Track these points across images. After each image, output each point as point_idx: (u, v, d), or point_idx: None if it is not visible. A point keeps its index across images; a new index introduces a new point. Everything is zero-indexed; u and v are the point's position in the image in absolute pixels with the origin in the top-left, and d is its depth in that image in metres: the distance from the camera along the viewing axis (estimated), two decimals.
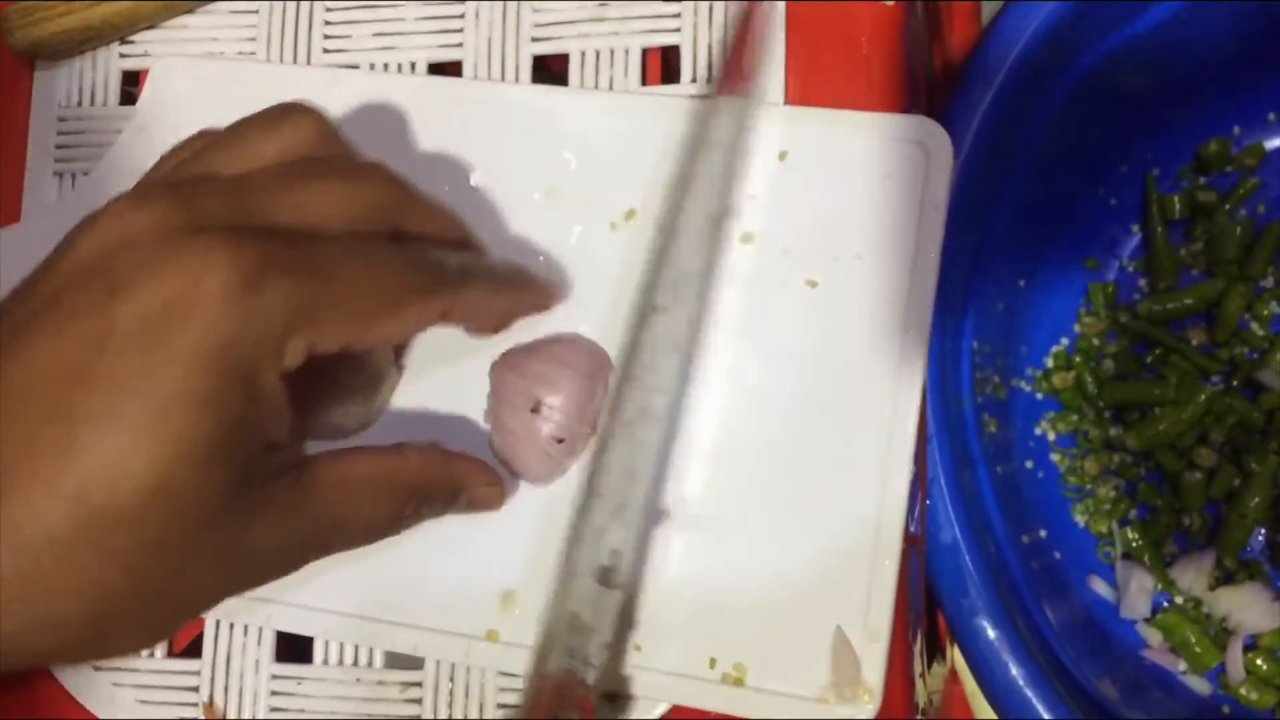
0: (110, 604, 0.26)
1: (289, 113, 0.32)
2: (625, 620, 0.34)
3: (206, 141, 0.32)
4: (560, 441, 0.35)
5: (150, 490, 0.25)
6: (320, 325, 0.27)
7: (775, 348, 0.36)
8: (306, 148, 0.31)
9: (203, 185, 0.29)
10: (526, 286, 0.36)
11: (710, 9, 0.38)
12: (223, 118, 0.40)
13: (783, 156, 0.37)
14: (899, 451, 0.34)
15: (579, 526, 0.32)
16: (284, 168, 0.30)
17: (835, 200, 0.36)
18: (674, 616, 0.35)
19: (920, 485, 0.38)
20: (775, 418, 0.35)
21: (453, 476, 0.34)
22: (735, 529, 0.35)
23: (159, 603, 0.27)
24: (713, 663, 0.34)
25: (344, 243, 0.29)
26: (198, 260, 0.26)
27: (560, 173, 0.38)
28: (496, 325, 0.37)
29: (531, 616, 0.35)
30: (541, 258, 0.37)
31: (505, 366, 0.36)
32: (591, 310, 0.37)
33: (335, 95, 0.40)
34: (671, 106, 0.38)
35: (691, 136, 0.36)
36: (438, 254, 0.32)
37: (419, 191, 0.33)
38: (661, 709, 0.35)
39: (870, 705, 0.33)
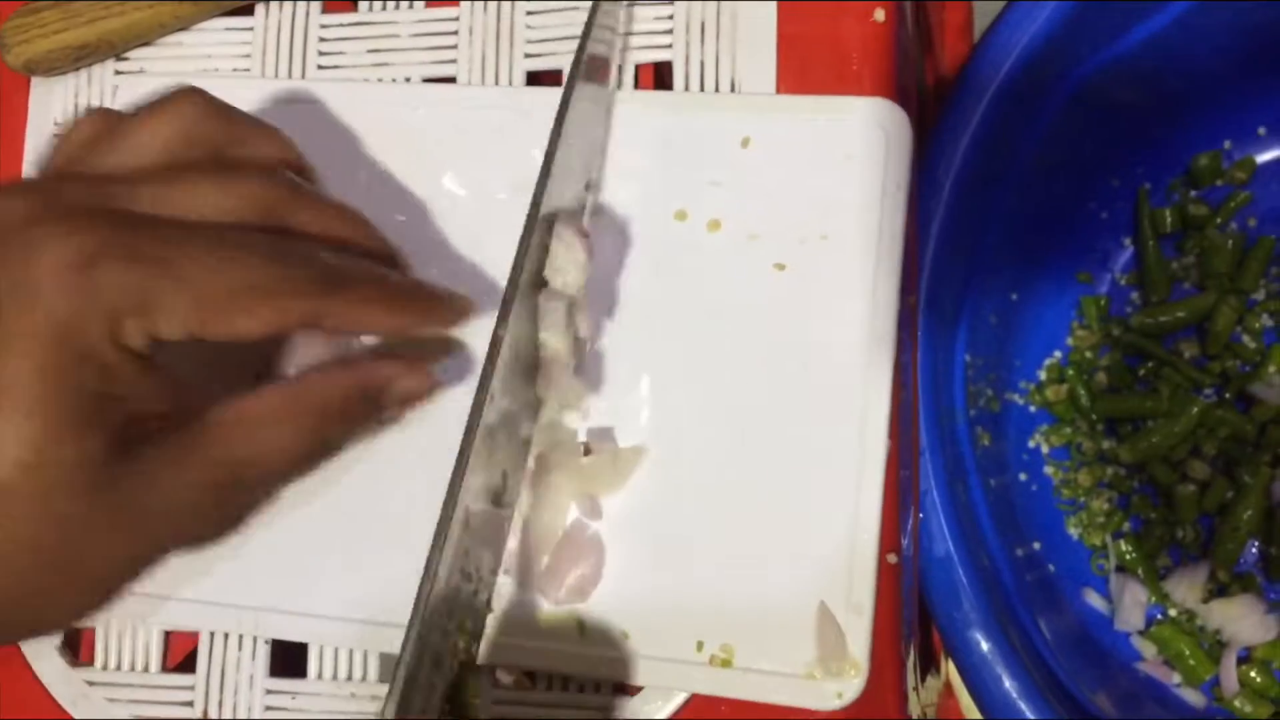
0: (19, 576, 0.27)
1: (172, 98, 0.31)
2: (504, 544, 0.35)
3: (90, 135, 0.31)
4: None
5: (23, 463, 0.26)
6: (156, 313, 0.27)
7: (747, 331, 0.36)
8: (191, 131, 0.31)
9: (68, 178, 0.29)
10: (425, 303, 0.33)
11: (702, 24, 0.38)
12: None
13: (745, 143, 0.37)
14: (873, 427, 0.35)
15: (470, 451, 0.31)
16: (159, 167, 0.30)
17: (799, 183, 0.37)
18: (659, 602, 0.35)
19: (913, 499, 0.38)
20: (749, 400, 0.36)
21: (365, 380, 0.32)
22: (715, 513, 0.35)
23: (77, 571, 0.28)
24: (700, 645, 0.34)
25: (199, 231, 0.28)
26: (37, 242, 0.27)
27: (526, 171, 0.38)
28: (390, 337, 0.35)
29: (524, 611, 0.35)
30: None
31: None
32: None
33: (306, 103, 0.40)
34: (634, 99, 0.38)
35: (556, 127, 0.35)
36: (318, 253, 0.30)
37: (314, 191, 0.32)
38: (671, 709, 0.35)
39: (857, 680, 0.33)
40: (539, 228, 0.34)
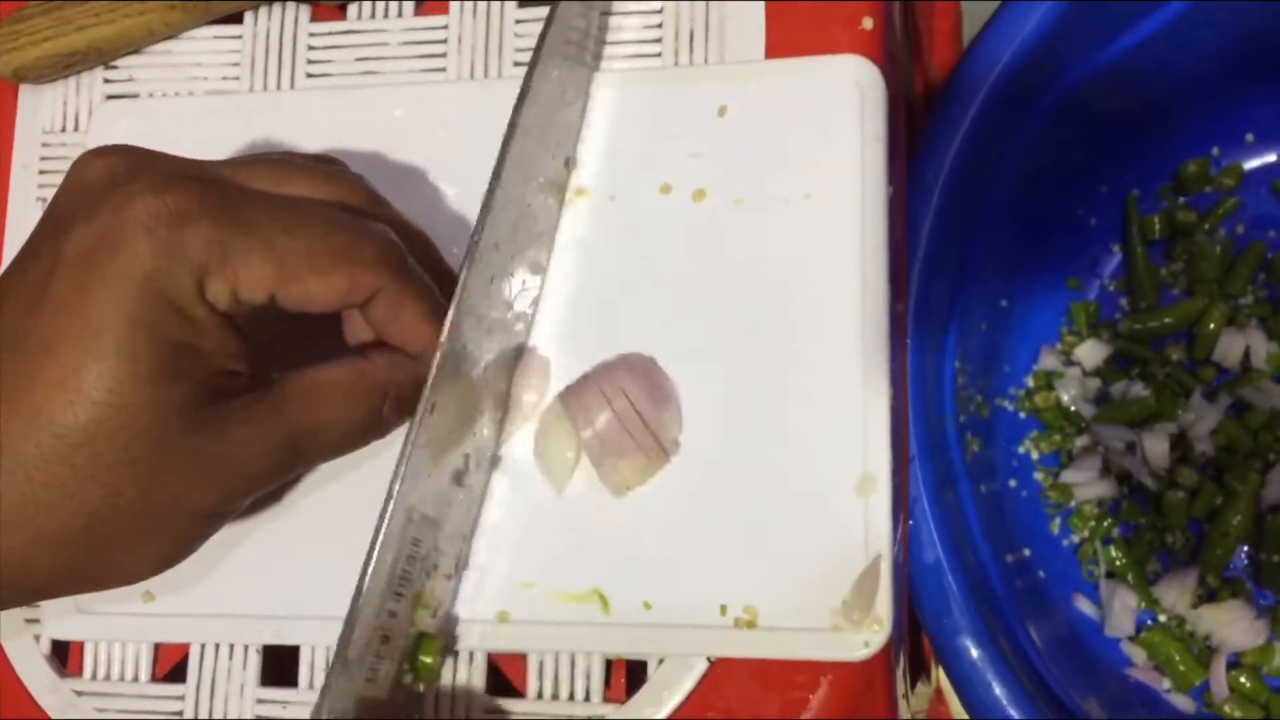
0: (93, 519, 0.28)
1: (340, 173, 0.33)
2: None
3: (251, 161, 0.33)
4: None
5: (102, 406, 0.27)
6: (237, 271, 0.29)
7: (741, 294, 0.36)
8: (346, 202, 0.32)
9: (169, 154, 0.31)
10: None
11: (691, 32, 0.39)
12: (172, 149, 0.41)
13: (721, 111, 0.38)
14: (874, 376, 0.35)
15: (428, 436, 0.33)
16: (254, 159, 0.32)
17: (778, 146, 0.37)
18: (680, 570, 0.35)
19: (903, 505, 0.38)
20: (750, 363, 0.36)
21: (423, 374, 0.33)
22: (728, 478, 0.35)
23: (146, 518, 0.29)
24: (724, 609, 0.34)
25: (285, 198, 0.30)
26: (127, 198, 0.28)
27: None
28: (415, 348, 0.35)
29: (545, 594, 0.35)
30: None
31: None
32: (554, 280, 0.38)
33: (278, 114, 0.41)
34: (609, 78, 0.39)
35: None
36: (391, 234, 0.32)
37: (390, 205, 0.34)
38: (666, 712, 0.35)
39: (881, 634, 0.33)
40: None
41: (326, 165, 0.34)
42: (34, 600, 0.36)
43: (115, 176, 0.29)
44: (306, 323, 0.32)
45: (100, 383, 0.27)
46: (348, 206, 0.32)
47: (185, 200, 0.28)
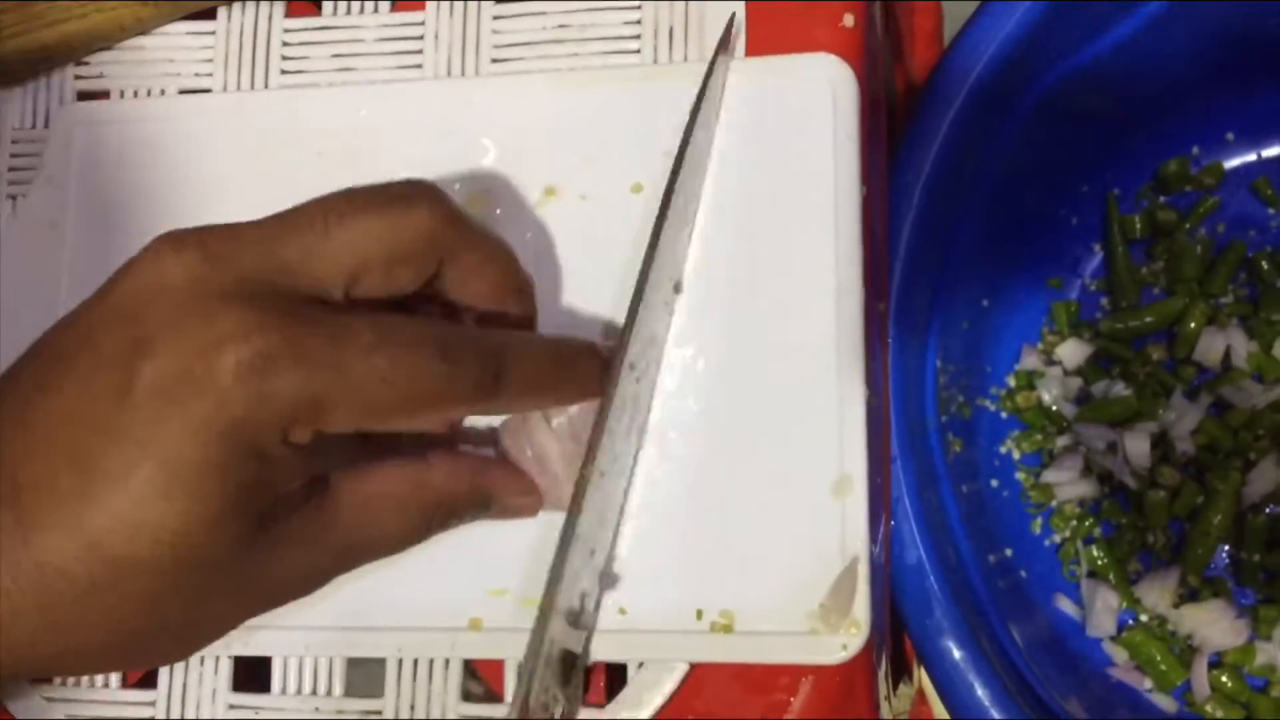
0: (131, 638, 0.28)
1: (411, 196, 0.31)
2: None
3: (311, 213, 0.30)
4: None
5: (166, 545, 0.27)
6: (327, 415, 0.28)
7: (714, 294, 0.36)
8: (423, 239, 0.30)
9: (241, 235, 0.29)
10: (576, 371, 0.33)
11: (670, 29, 0.38)
12: (126, 157, 0.41)
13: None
14: (849, 376, 0.35)
15: (559, 569, 0.32)
16: (325, 201, 0.30)
17: (750, 144, 0.37)
18: (655, 575, 0.35)
19: (884, 506, 0.38)
20: (725, 364, 0.36)
21: (482, 487, 0.33)
22: (703, 481, 0.35)
23: (181, 632, 0.30)
24: (700, 614, 0.34)
25: (377, 331, 0.28)
26: (218, 334, 0.27)
27: (479, 160, 0.39)
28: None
29: (516, 600, 0.35)
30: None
31: None
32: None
33: (240, 119, 0.40)
34: (580, 77, 0.39)
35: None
36: (485, 343, 0.30)
37: (476, 227, 0.32)
38: (648, 712, 0.34)
39: (858, 637, 0.33)
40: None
41: (399, 187, 0.31)
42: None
43: (200, 286, 0.27)
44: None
45: (167, 523, 0.26)
46: (434, 244, 0.30)
47: (279, 345, 0.27)
